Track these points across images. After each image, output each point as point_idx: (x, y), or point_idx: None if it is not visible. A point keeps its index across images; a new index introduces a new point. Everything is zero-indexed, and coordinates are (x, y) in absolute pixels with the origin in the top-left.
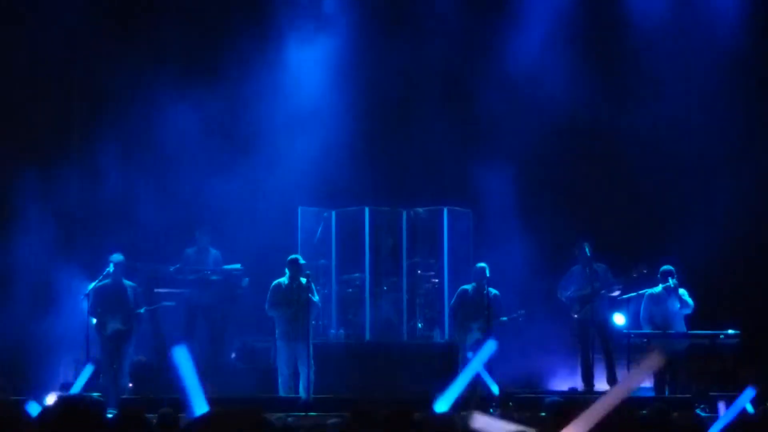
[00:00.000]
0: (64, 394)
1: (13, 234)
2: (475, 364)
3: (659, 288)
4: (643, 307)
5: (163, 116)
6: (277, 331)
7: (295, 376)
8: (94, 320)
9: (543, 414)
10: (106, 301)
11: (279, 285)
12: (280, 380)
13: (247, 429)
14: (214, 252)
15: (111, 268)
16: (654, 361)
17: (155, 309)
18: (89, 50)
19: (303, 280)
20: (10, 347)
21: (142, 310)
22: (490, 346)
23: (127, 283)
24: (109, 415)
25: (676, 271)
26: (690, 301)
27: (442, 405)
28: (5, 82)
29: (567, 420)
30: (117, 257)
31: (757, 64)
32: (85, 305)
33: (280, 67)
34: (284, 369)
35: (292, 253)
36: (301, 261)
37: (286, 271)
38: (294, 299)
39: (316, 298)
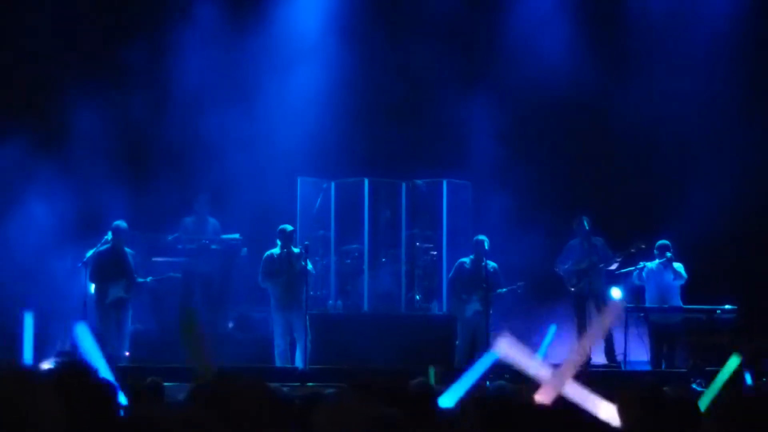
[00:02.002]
0: (61, 359)
1: (8, 202)
2: (485, 363)
3: (656, 262)
4: (640, 281)
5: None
6: (271, 302)
7: (292, 346)
8: (93, 287)
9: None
10: (107, 269)
11: (271, 255)
12: (276, 352)
13: (252, 398)
14: (212, 221)
15: (109, 236)
16: (614, 312)
17: (161, 279)
18: None
19: (295, 249)
20: (6, 316)
21: (148, 279)
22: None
23: (128, 250)
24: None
25: (673, 246)
26: (684, 273)
27: (447, 400)
28: None
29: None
30: (119, 224)
31: (752, 40)
32: (85, 272)
33: (281, 35)
34: (280, 341)
35: (291, 224)
36: (290, 229)
37: (277, 241)
38: (286, 269)
39: (309, 266)
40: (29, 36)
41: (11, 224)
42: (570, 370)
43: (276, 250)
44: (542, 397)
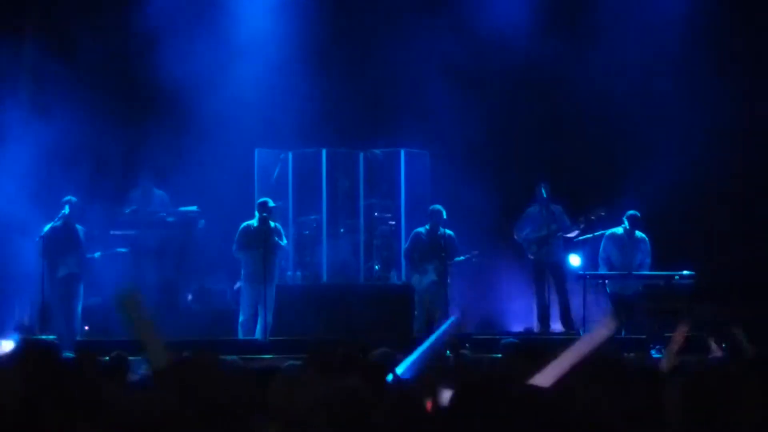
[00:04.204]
0: (21, 337)
1: None
2: (437, 337)
3: (620, 229)
4: (602, 248)
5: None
6: (242, 272)
7: (254, 318)
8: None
9: (499, 355)
10: (58, 244)
11: (248, 227)
12: (240, 320)
13: (202, 374)
14: (159, 192)
15: (66, 210)
16: (611, 325)
17: (110, 254)
18: None
19: (273, 223)
20: None
21: (96, 255)
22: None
23: (79, 227)
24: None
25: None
26: (649, 249)
27: (402, 369)
28: None
29: (524, 361)
30: (70, 198)
31: (714, 12)
32: (40, 247)
33: (235, 7)
34: (246, 311)
35: (247, 195)
36: (271, 204)
37: (256, 213)
38: (261, 242)
39: (284, 242)
40: None
41: None
42: (572, 357)
43: (254, 222)
44: (541, 379)
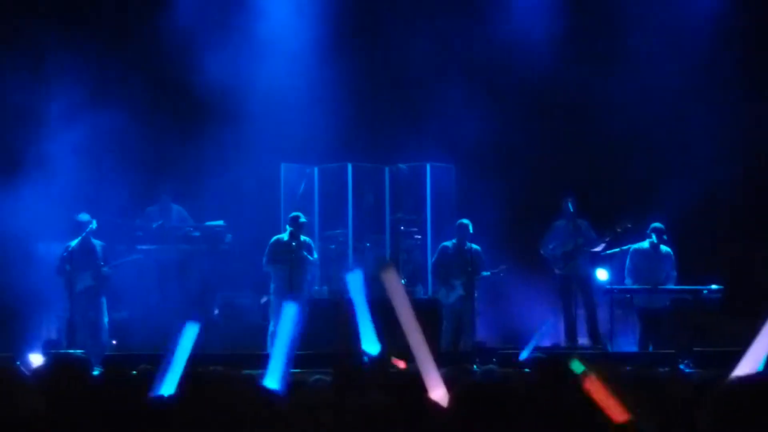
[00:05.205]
0: (51, 351)
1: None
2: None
3: (646, 243)
4: (628, 262)
5: (139, 69)
6: (272, 286)
7: None
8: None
9: (526, 370)
10: (75, 259)
11: (278, 240)
12: (270, 331)
13: (228, 390)
14: (176, 207)
15: (94, 225)
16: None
17: (122, 263)
18: None
19: (303, 238)
20: None
21: (106, 268)
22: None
23: (96, 242)
24: (95, 373)
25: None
26: (674, 265)
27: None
28: None
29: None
30: (84, 217)
31: (739, 26)
32: (57, 263)
33: (264, 24)
34: (274, 324)
35: (273, 210)
36: (302, 219)
37: (287, 227)
38: (291, 257)
39: (314, 257)
40: None
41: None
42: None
43: (284, 236)
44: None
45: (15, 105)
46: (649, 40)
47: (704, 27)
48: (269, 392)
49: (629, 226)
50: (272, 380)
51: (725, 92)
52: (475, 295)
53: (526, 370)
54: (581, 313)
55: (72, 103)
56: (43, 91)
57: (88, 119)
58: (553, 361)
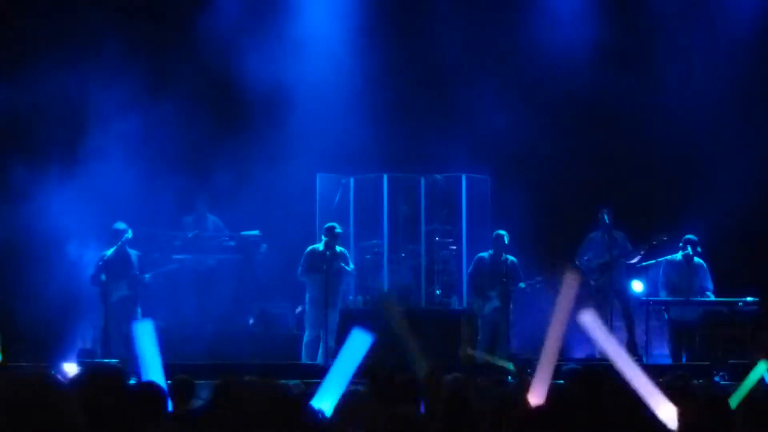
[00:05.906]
0: (86, 361)
1: (28, 199)
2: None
3: (679, 255)
4: (661, 273)
5: (175, 77)
6: (307, 296)
7: (318, 341)
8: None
9: (561, 381)
10: (110, 269)
11: (313, 251)
12: (305, 341)
13: (261, 398)
14: (212, 218)
15: (129, 234)
16: (571, 282)
17: (159, 273)
18: None
19: (339, 248)
20: (28, 313)
21: (147, 276)
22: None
23: (132, 251)
24: (131, 382)
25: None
26: (709, 279)
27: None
28: None
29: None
30: (120, 225)
31: None
32: (92, 272)
33: (297, 32)
34: (311, 332)
35: (309, 220)
36: (338, 230)
37: (322, 237)
38: (325, 266)
39: (350, 267)
40: None
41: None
42: (549, 365)
43: (319, 246)
44: (535, 397)
45: (53, 107)
46: (688, 52)
47: (744, 39)
48: (315, 412)
49: (665, 239)
50: (322, 402)
51: (765, 103)
52: (511, 306)
53: (560, 381)
54: (617, 325)
55: (112, 107)
56: (83, 94)
57: (125, 126)
58: (589, 372)
